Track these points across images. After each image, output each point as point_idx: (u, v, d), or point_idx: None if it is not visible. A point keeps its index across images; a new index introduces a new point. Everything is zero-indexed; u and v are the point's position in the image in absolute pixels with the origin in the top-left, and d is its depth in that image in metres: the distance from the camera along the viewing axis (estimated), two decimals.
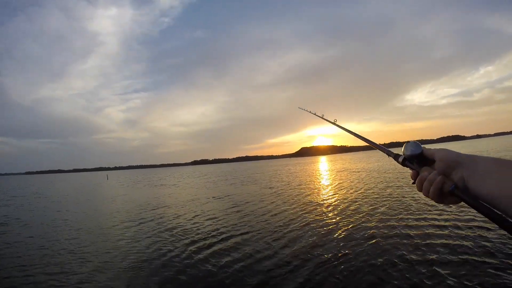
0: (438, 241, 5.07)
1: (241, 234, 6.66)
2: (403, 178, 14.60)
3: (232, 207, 10.51)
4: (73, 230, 8.39)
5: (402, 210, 7.68)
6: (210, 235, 6.74)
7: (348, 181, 16.24)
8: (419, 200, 8.64)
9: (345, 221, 7.14)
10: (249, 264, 4.83)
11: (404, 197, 9.45)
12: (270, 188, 16.30)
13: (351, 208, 8.63)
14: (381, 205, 8.60)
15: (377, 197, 9.94)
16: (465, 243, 4.88)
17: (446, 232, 5.54)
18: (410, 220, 6.58)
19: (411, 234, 5.62)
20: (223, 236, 6.61)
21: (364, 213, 7.74)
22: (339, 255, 4.88)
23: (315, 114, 3.18)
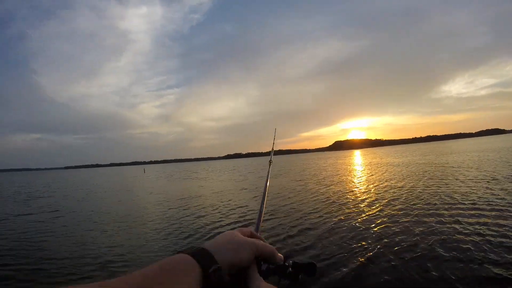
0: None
1: (264, 220, 6.93)
2: (427, 171, 13.78)
3: (257, 198, 10.79)
4: (118, 216, 9.29)
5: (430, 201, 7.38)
6: (233, 221, 7.13)
7: (379, 175, 15.70)
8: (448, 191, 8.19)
9: (380, 214, 7.07)
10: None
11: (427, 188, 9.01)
12: (299, 180, 16.35)
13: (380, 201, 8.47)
14: (399, 198, 8.32)
15: (399, 191, 9.58)
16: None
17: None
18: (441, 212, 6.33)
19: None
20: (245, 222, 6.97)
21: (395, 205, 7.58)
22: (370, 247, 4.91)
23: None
